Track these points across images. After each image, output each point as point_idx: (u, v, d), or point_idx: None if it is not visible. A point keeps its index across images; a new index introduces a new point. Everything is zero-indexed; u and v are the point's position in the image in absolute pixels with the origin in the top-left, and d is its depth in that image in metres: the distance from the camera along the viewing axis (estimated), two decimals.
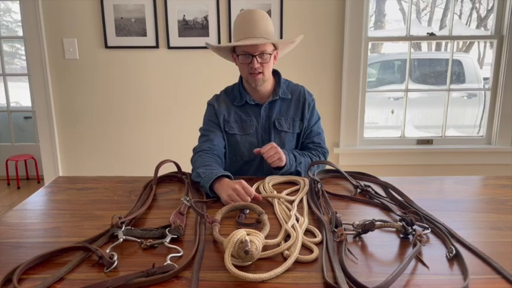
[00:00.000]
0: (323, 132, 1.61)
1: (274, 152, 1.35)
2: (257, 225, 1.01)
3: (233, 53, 1.48)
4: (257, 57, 1.38)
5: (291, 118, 1.53)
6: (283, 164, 1.38)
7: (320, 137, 1.58)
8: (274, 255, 0.83)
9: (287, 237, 0.92)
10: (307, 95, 1.55)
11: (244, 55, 1.40)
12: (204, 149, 1.43)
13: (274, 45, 1.44)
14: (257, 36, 1.38)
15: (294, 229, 0.93)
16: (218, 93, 1.59)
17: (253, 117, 1.51)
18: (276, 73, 1.54)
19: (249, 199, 1.12)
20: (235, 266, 0.76)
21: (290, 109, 1.53)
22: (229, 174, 1.25)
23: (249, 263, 0.79)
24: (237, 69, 1.49)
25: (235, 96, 1.53)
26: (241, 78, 1.54)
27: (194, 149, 1.49)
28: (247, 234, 0.81)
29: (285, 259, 0.81)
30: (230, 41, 2.45)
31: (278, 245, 0.88)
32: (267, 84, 1.48)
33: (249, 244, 0.76)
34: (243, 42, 1.37)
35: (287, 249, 0.84)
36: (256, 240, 0.80)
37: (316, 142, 1.57)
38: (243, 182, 1.16)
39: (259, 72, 1.41)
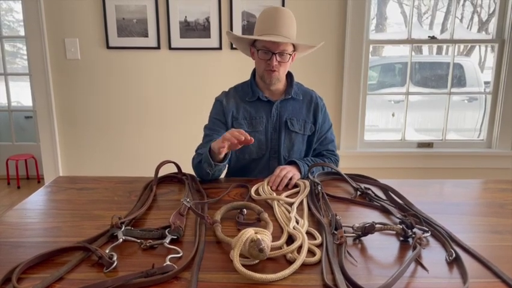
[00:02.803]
0: (335, 139, 1.62)
1: (286, 172, 1.34)
2: (258, 223, 1.01)
3: (251, 46, 1.46)
4: (277, 55, 1.38)
5: (303, 120, 1.52)
6: (299, 177, 1.39)
7: (334, 144, 1.60)
8: (277, 257, 0.83)
9: (289, 239, 0.92)
10: (318, 99, 1.56)
11: (264, 51, 1.39)
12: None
13: (294, 46, 1.44)
14: (281, 34, 1.37)
15: (299, 232, 0.92)
16: (226, 90, 1.58)
17: (264, 115, 1.50)
18: (288, 74, 1.54)
19: (242, 138, 1.15)
20: (243, 266, 0.76)
21: (302, 110, 1.53)
22: None
23: (257, 261, 0.80)
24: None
25: (246, 93, 1.52)
26: (253, 74, 1.53)
27: (197, 149, 1.48)
28: (255, 233, 0.81)
29: (288, 261, 0.81)
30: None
31: (280, 247, 0.87)
32: (280, 83, 1.48)
33: (262, 242, 0.77)
34: (267, 37, 1.35)
35: (291, 252, 0.84)
36: (266, 238, 0.80)
37: (330, 150, 1.59)
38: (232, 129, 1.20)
39: (276, 70, 1.41)
